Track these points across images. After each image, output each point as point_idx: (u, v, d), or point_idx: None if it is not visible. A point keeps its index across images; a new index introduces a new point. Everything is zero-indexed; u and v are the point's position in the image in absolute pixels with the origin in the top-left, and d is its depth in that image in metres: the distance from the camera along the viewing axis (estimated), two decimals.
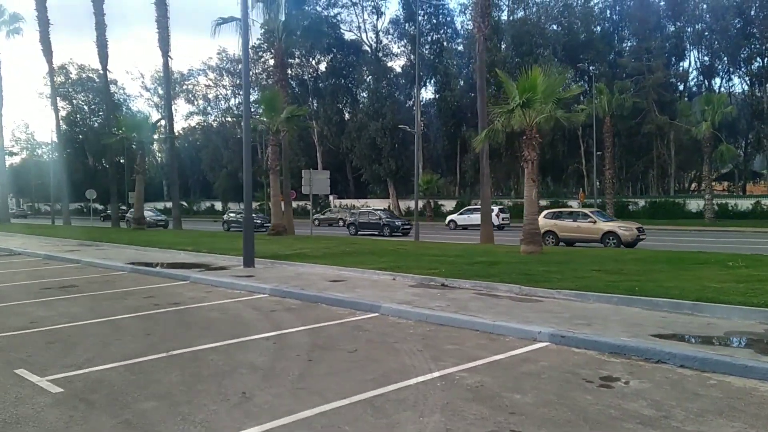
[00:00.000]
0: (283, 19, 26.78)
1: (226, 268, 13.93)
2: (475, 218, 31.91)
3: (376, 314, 8.59)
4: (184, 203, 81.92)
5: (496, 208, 37.42)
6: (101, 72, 39.02)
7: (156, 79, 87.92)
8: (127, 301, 10.30)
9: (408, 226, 32.68)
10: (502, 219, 39.55)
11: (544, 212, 24.37)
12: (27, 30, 73.94)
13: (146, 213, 33.65)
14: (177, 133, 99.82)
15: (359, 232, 33.44)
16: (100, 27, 36.35)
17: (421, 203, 61.57)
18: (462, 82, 59.48)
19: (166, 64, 33.99)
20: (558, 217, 23.74)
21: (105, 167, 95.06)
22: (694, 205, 46.65)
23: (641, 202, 50.13)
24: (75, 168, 78.94)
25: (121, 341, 7.42)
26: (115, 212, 39.96)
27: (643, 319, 7.68)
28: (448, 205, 59.72)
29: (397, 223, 34.15)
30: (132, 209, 55.55)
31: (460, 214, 42.75)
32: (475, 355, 6.33)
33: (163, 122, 38.88)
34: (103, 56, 36.87)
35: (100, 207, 72.86)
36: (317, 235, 26.21)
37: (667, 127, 48.20)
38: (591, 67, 55.65)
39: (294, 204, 67.07)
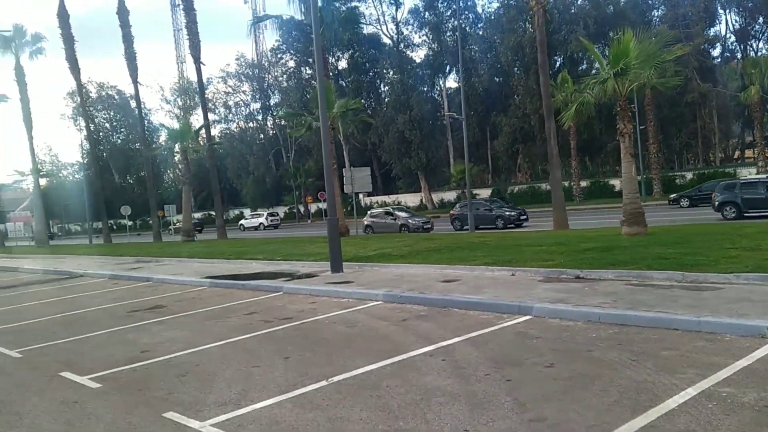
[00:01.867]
0: (320, 14, 25.72)
1: (313, 275, 12.99)
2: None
3: (529, 317, 7.56)
4: (212, 212, 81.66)
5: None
6: (130, 83, 38.37)
7: (175, 90, 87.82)
8: (231, 320, 9.40)
9: (429, 225, 29.22)
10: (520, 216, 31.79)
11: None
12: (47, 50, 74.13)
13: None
14: (201, 142, 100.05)
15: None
16: (128, 39, 35.75)
17: (454, 194, 60.55)
18: (487, 68, 58.14)
19: (198, 70, 33.33)
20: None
21: (130, 183, 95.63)
22: (745, 173, 44.82)
23: (688, 175, 48.42)
24: (102, 185, 78.98)
25: (261, 368, 6.48)
26: (155, 226, 39.39)
27: None
28: (483, 194, 58.39)
29: (417, 221, 29.83)
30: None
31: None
32: (714, 362, 5.26)
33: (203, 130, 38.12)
34: (133, 69, 36.28)
35: (129, 223, 72.79)
36: (369, 235, 25.16)
37: (711, 95, 46.42)
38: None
39: (324, 205, 66.69)
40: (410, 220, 30.02)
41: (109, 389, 6.17)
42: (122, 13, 36.19)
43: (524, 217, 30.43)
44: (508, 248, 13.62)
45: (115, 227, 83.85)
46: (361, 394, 5.31)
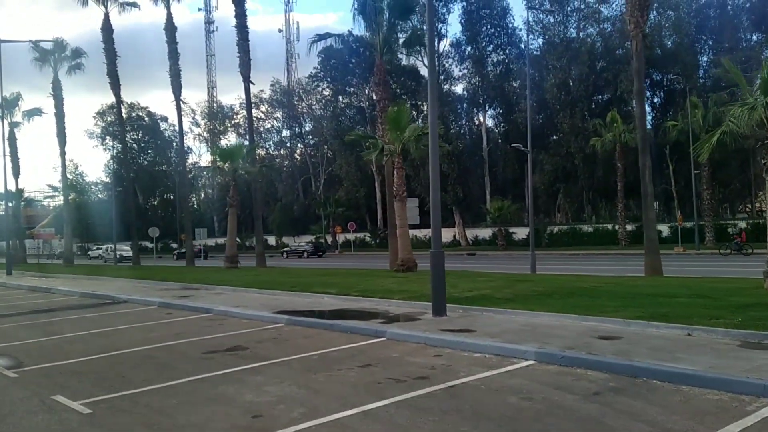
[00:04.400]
0: (385, 32, 24.31)
1: (412, 317, 11.06)
2: None
3: None
4: (238, 239, 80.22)
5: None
6: (170, 102, 37.03)
7: (206, 114, 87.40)
8: (346, 375, 7.49)
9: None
10: None
11: None
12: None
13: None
14: (224, 168, 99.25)
15: None
16: (173, 56, 34.74)
17: (490, 231, 58.53)
18: (533, 103, 56.57)
19: (247, 89, 32.04)
20: None
21: (154, 205, 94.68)
22: None
23: (741, 224, 46.07)
24: (127, 206, 78.02)
25: None
26: (189, 250, 37.75)
27: None
28: (520, 233, 56.34)
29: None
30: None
31: None
32: None
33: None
34: (177, 86, 35.17)
35: (151, 245, 71.12)
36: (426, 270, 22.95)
37: None
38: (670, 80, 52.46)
39: (352, 236, 64.99)
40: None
41: None
42: (169, 29, 35.31)
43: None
44: (635, 297, 11.62)
45: (141, 248, 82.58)
46: None
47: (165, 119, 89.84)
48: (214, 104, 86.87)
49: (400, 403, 6.18)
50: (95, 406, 6.63)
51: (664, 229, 48.02)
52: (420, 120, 66.10)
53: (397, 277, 18.09)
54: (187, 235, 38.31)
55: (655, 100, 58.14)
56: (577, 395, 6.20)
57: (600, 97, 53.68)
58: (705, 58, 56.40)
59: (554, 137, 55.16)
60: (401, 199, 20.87)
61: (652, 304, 10.69)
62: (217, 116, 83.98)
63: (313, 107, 74.16)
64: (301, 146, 79.06)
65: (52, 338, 11.40)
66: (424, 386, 6.78)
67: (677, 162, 49.37)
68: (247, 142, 36.06)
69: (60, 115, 43.54)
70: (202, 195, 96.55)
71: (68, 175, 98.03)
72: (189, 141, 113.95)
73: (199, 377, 7.76)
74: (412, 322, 10.57)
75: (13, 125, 48.64)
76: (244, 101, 74.95)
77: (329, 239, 67.62)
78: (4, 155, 37.09)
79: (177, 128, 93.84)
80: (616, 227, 48.49)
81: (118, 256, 48.86)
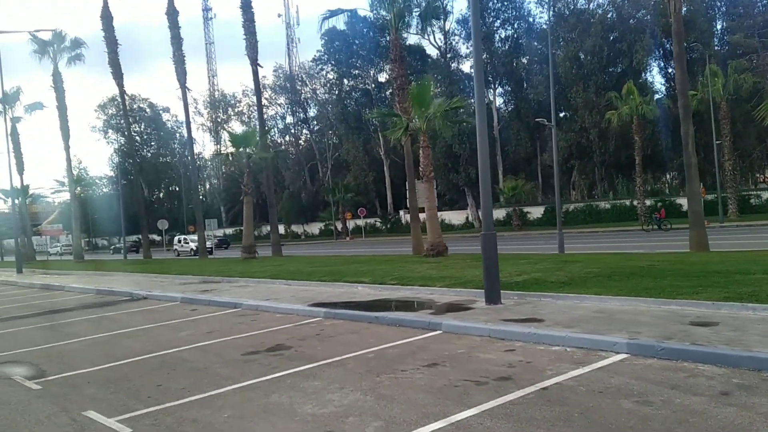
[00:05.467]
0: (400, 5, 23.09)
1: (463, 306, 10.13)
2: None
3: None
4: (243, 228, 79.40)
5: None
6: (175, 89, 35.67)
7: (208, 103, 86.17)
8: (412, 377, 6.57)
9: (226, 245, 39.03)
10: None
11: None
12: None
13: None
14: (229, 157, 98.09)
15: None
16: (177, 41, 33.56)
17: (503, 212, 57.45)
18: (542, 79, 55.18)
19: (255, 72, 30.91)
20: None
21: (160, 197, 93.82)
22: None
23: (765, 195, 44.95)
24: (132, 199, 77.08)
25: None
26: (202, 241, 36.82)
27: None
28: (535, 212, 55.36)
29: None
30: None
31: None
32: None
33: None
34: (181, 72, 34.02)
35: (158, 238, 70.19)
36: (455, 253, 21.98)
37: None
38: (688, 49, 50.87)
39: (362, 221, 64.05)
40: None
41: None
42: (171, 14, 34.10)
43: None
44: (706, 276, 10.64)
45: (142, 242, 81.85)
46: None
47: (167, 110, 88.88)
48: (216, 93, 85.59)
49: (493, 412, 5.26)
50: (135, 424, 5.76)
51: (685, 202, 46.88)
52: (436, 98, 64.67)
53: (429, 263, 17.12)
54: (199, 225, 37.38)
55: (669, 70, 56.67)
56: (703, 396, 5.26)
57: (613, 69, 52.23)
58: (720, 26, 54.96)
59: (567, 113, 53.82)
60: (429, 179, 19.83)
61: (729, 282, 9.73)
62: (219, 105, 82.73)
63: (318, 92, 72.88)
64: (307, 132, 77.91)
65: (73, 341, 10.54)
66: (511, 389, 5.85)
67: (695, 133, 48.07)
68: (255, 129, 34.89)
69: (62, 108, 42.59)
70: (208, 186, 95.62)
71: (72, 170, 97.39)
72: (192, 132, 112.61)
73: (245, 384, 6.86)
74: (465, 311, 9.64)
75: (15, 120, 47.68)
76: (252, 87, 73.79)
77: (339, 226, 66.73)
78: (9, 151, 36.24)
79: (179, 119, 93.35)
80: (635, 203, 47.34)
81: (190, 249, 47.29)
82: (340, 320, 10.32)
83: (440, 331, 8.72)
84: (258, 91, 33.80)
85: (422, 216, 22.44)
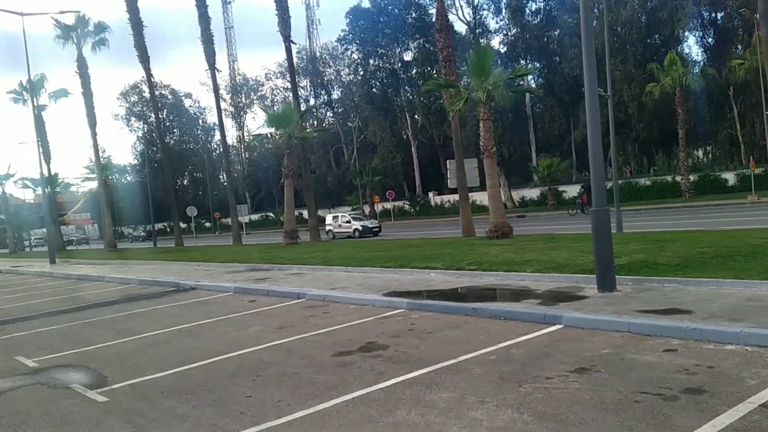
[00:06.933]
0: None
1: (571, 294, 8.84)
2: None
3: None
4: (271, 214, 78.54)
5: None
6: (208, 70, 34.40)
7: (229, 87, 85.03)
8: (571, 388, 5.30)
9: (377, 227, 34.96)
10: None
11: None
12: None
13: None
14: (250, 143, 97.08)
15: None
16: (204, 20, 32.31)
17: (537, 191, 55.74)
18: (577, 53, 53.03)
19: (288, 49, 29.61)
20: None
21: (184, 185, 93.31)
22: None
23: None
24: (163, 186, 76.33)
25: None
26: (235, 227, 35.84)
27: None
28: (571, 191, 53.47)
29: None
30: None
31: None
32: None
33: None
34: (210, 53, 32.81)
35: (184, 225, 69.45)
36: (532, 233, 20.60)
37: None
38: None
39: (390, 205, 62.75)
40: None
41: None
42: None
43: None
44: None
45: (168, 230, 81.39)
46: None
47: (189, 95, 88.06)
48: (238, 77, 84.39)
49: None
50: None
51: (730, 177, 44.89)
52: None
53: (499, 245, 15.79)
54: (233, 213, 36.38)
55: (709, 40, 54.30)
56: None
57: (651, 40, 49.98)
58: None
59: (603, 87, 51.71)
60: (490, 155, 18.37)
61: None
62: (242, 89, 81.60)
63: (341, 73, 71.38)
64: (331, 115, 76.52)
65: (129, 340, 9.45)
66: (719, 407, 4.56)
67: (741, 104, 45.91)
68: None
69: (88, 95, 41.76)
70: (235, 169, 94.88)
71: (100, 158, 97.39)
72: (215, 117, 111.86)
73: (354, 396, 5.66)
74: (578, 301, 8.35)
75: (40, 108, 47.00)
76: (275, 70, 72.49)
77: (366, 209, 65.47)
78: (38, 141, 35.50)
79: (202, 105, 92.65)
80: (677, 178, 45.35)
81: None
82: (428, 312, 9.08)
83: (560, 326, 7.45)
84: (291, 68, 32.47)
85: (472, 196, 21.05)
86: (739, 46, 49.88)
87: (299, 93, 77.45)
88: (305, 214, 36.70)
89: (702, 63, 53.29)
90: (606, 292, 8.58)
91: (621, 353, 6.16)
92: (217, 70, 34.18)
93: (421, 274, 12.41)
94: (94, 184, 59.16)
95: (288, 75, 74.38)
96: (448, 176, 27.75)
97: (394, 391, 5.70)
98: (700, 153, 57.23)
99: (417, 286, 11.17)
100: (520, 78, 20.29)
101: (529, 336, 7.19)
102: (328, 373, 6.51)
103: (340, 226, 36.94)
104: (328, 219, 39.03)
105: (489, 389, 5.48)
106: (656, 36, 49.46)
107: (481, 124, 18.54)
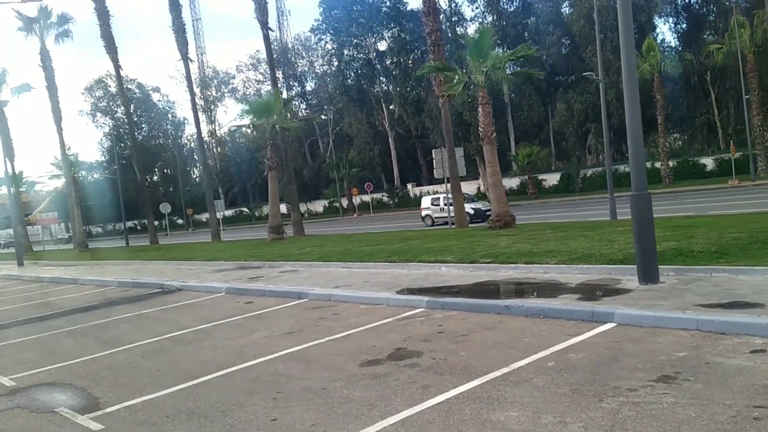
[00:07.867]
0: None
1: (610, 288, 8.08)
2: None
3: None
4: (245, 209, 76.91)
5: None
6: (180, 60, 32.89)
7: (198, 81, 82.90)
8: (666, 402, 4.52)
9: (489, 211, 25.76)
10: None
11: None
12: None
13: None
14: (222, 137, 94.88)
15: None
16: (175, 7, 30.82)
17: (517, 180, 55.38)
18: (555, 39, 52.77)
19: (266, 37, 28.32)
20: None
21: (154, 181, 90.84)
22: None
23: None
24: (126, 185, 73.99)
25: None
26: (213, 223, 34.53)
27: None
28: (550, 179, 53.30)
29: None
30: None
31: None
32: None
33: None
34: (182, 42, 31.37)
35: (156, 222, 67.38)
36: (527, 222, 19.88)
37: None
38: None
39: (368, 197, 61.87)
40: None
41: None
42: None
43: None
44: None
45: (139, 228, 79.12)
46: None
47: (157, 89, 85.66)
48: (208, 70, 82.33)
49: None
50: None
51: (709, 162, 45.11)
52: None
53: (506, 235, 15.02)
54: (211, 208, 35.04)
55: (683, 26, 54.49)
56: None
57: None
58: None
59: (582, 74, 51.53)
60: (490, 141, 17.61)
61: None
62: (212, 82, 79.60)
63: (315, 64, 70.02)
64: (305, 107, 75.13)
65: (118, 351, 8.41)
66: None
67: (719, 89, 46.06)
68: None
69: (52, 88, 39.85)
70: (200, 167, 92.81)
71: (66, 154, 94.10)
72: (185, 112, 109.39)
73: (403, 416, 4.79)
74: (622, 295, 7.60)
75: (2, 104, 44.78)
76: (258, 56, 70.46)
77: (345, 202, 64.46)
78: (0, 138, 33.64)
79: (170, 99, 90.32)
80: (657, 164, 45.37)
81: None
82: (453, 311, 8.24)
83: (613, 324, 6.68)
84: (270, 56, 31.19)
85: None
86: (713, 32, 50.13)
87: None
88: (283, 208, 35.59)
89: (676, 50, 53.49)
90: (649, 284, 7.86)
91: (702, 356, 5.40)
92: (190, 60, 32.76)
93: (431, 268, 11.57)
94: (60, 182, 56.95)
95: (263, 64, 73.17)
96: (435, 166, 26.97)
97: (450, 409, 4.84)
98: (678, 138, 57.58)
99: (430, 281, 10.33)
100: (526, 55, 19.30)
101: (582, 337, 6.41)
102: (362, 388, 5.63)
103: (442, 209, 29.02)
104: (425, 202, 31.37)
105: (564, 405, 4.66)
106: (632, 22, 49.36)
107: (480, 109, 17.75)
